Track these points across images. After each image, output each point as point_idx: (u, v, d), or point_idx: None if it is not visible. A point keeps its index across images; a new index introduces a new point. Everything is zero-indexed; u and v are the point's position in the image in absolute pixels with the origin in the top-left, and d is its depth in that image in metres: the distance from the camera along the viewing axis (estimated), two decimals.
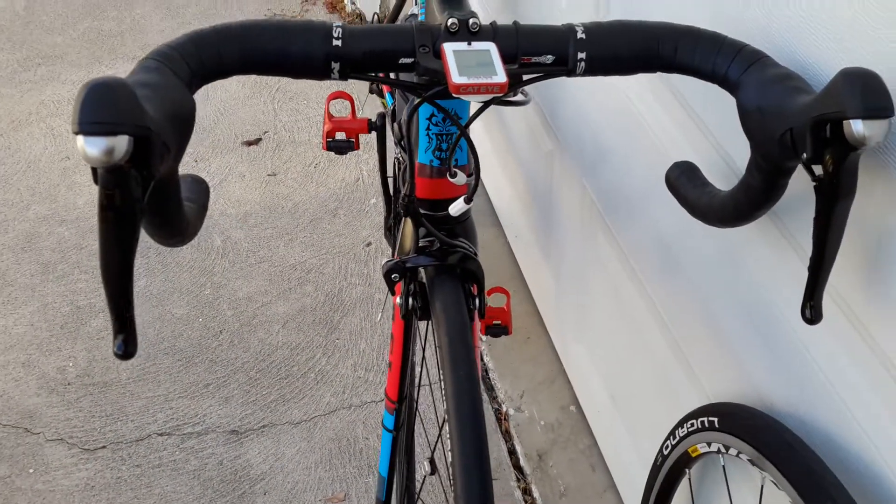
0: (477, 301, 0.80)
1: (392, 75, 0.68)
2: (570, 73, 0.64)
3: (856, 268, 0.63)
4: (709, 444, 0.84)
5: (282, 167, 2.14)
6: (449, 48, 0.59)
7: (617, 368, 1.25)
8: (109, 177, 0.45)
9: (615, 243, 1.13)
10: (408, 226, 0.83)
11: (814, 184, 0.54)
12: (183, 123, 0.52)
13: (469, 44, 0.60)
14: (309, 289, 1.80)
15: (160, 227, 0.55)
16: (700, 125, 0.83)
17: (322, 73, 0.62)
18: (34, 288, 1.80)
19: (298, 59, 0.60)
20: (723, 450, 0.81)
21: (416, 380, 1.01)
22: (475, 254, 0.81)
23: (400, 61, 0.61)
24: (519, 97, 0.73)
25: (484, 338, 1.70)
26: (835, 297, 0.66)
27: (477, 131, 1.97)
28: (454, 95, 0.57)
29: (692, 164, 0.74)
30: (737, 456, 0.77)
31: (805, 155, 0.54)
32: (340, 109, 2.18)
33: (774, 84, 0.58)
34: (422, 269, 0.81)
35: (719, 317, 0.87)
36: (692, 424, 0.87)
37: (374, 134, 1.37)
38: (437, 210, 0.80)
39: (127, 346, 0.52)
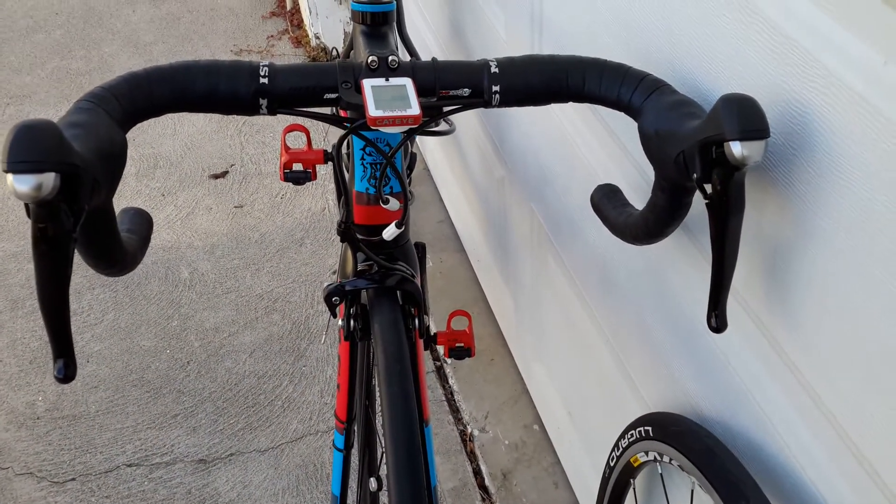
0: (417, 321, 0.83)
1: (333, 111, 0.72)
2: (487, 104, 0.68)
3: (758, 276, 0.67)
4: (646, 453, 0.87)
5: (248, 199, 2.17)
6: (368, 84, 0.64)
7: (572, 385, 1.29)
8: (40, 211, 0.49)
9: (562, 264, 1.18)
10: (347, 251, 0.87)
11: (706, 202, 0.59)
12: (114, 160, 0.56)
13: (387, 79, 0.65)
14: (276, 317, 1.83)
15: (97, 257, 0.59)
16: (623, 149, 0.87)
17: (251, 109, 0.66)
18: (3, 324, 1.82)
19: (227, 97, 0.65)
20: (658, 457, 0.84)
21: (376, 401, 1.04)
22: (412, 276, 0.85)
23: (325, 96, 0.66)
24: (443, 126, 0.77)
25: (448, 360, 1.73)
26: (743, 304, 0.70)
27: (437, 159, 2.01)
28: (372, 128, 0.61)
29: (614, 186, 0.79)
30: (670, 462, 0.81)
31: (695, 175, 0.58)
32: (297, 141, 2.23)
33: (671, 110, 0.62)
34: (363, 292, 0.85)
35: (651, 329, 0.91)
36: (631, 435, 0.91)
37: (330, 164, 1.42)
38: (376, 235, 0.84)
39: (67, 369, 0.55)
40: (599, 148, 0.94)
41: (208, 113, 0.66)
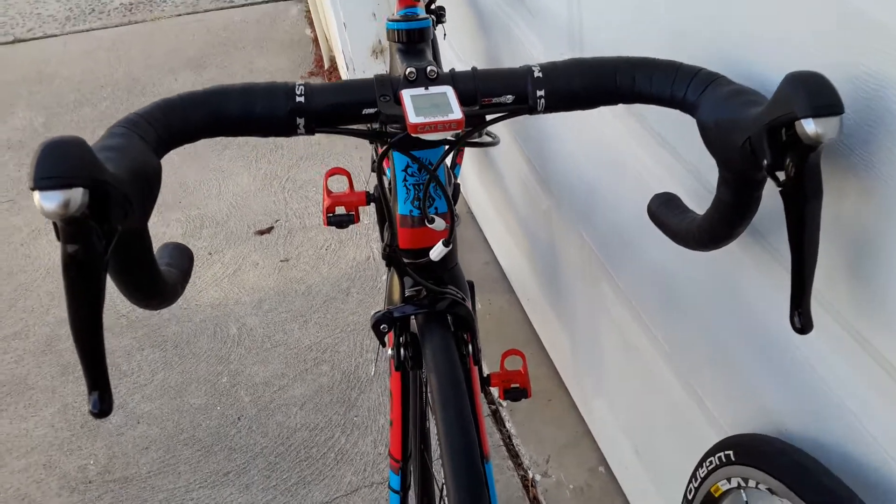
0: (470, 347, 0.79)
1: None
2: (532, 110, 0.65)
3: (841, 274, 0.62)
4: (729, 480, 0.81)
5: (294, 252, 2.17)
6: (407, 94, 0.61)
7: (637, 419, 1.22)
8: (69, 230, 0.46)
9: (617, 288, 1.12)
10: (394, 277, 0.83)
11: (780, 189, 0.54)
12: (146, 181, 0.54)
13: (426, 88, 0.62)
14: (325, 368, 1.79)
15: (133, 286, 0.56)
16: (675, 155, 0.83)
17: (288, 129, 0.63)
18: (54, 390, 1.81)
19: (264, 118, 0.62)
20: (742, 483, 0.77)
21: (431, 436, 0.99)
22: (463, 299, 0.81)
23: (363, 111, 0.63)
24: (486, 138, 0.74)
25: (504, 403, 1.67)
26: (826, 306, 0.64)
27: (477, 196, 1.98)
28: (413, 135, 0.58)
29: (671, 193, 0.75)
30: (756, 487, 0.74)
31: (766, 161, 0.54)
32: (340, 184, 2.23)
33: (730, 99, 0.58)
34: (412, 319, 0.81)
35: (723, 346, 0.85)
36: (710, 462, 0.84)
37: (373, 206, 1.40)
38: (422, 258, 0.80)
39: (102, 402, 0.52)
40: (649, 158, 0.89)
41: (245, 136, 0.64)
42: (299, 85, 0.63)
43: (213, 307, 2.03)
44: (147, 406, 1.74)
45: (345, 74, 2.69)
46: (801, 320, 0.58)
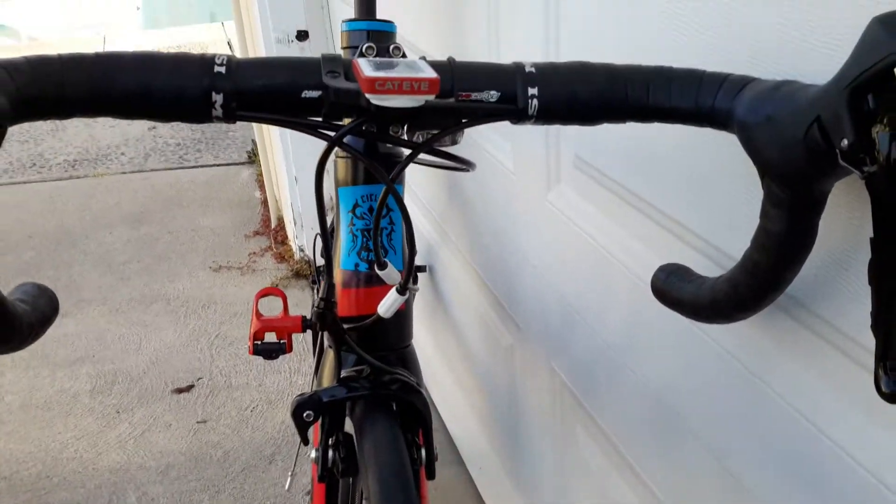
0: (423, 452, 0.58)
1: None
2: (521, 114, 0.50)
3: None
4: None
5: (214, 413, 1.91)
6: (363, 59, 0.45)
7: None
8: None
9: (597, 430, 0.92)
10: (328, 355, 0.64)
11: (864, 178, 0.39)
12: None
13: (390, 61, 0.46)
14: None
15: None
16: (678, 230, 0.68)
17: (200, 110, 0.47)
18: None
19: (169, 93, 0.46)
20: None
21: None
22: (419, 385, 0.61)
23: (304, 94, 0.47)
24: (462, 163, 0.58)
25: None
26: None
27: (425, 350, 1.79)
28: (368, 96, 0.42)
29: (678, 264, 0.59)
30: None
31: (846, 141, 0.39)
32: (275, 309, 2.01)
33: (777, 90, 0.45)
34: (348, 407, 0.60)
35: (747, 479, 0.65)
36: None
37: (309, 333, 1.20)
38: (368, 335, 0.61)
39: None
40: (645, 247, 0.74)
41: (140, 118, 0.47)
42: (220, 55, 0.47)
43: (112, 472, 1.73)
44: None
45: (291, 231, 2.56)
46: (891, 380, 0.41)
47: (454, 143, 0.61)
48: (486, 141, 1.11)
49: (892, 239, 0.39)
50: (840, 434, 0.54)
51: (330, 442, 0.61)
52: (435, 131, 0.50)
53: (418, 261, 1.61)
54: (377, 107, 0.45)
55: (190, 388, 2.01)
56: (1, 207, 3.09)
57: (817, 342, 0.54)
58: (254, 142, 3.25)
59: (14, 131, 4.02)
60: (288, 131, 1.74)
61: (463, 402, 1.58)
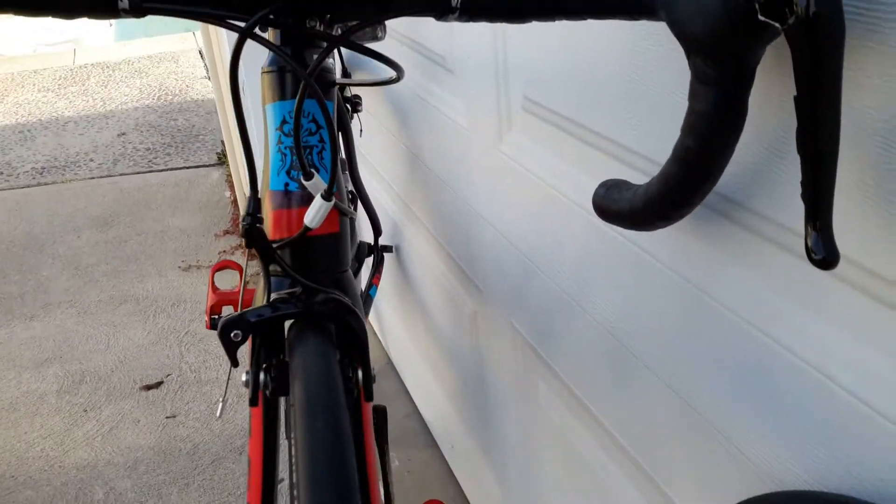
0: (360, 374, 0.56)
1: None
2: (445, 7, 0.48)
3: (869, 213, 0.43)
4: None
5: (183, 408, 1.87)
6: None
7: None
8: None
9: (556, 379, 0.91)
10: (260, 280, 0.62)
11: (785, 31, 0.37)
12: None
13: None
14: None
15: None
16: (627, 156, 0.66)
17: (105, 3, 0.45)
18: None
19: None
20: None
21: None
22: (354, 306, 0.59)
23: None
24: (388, 64, 0.56)
25: None
26: (855, 284, 0.45)
27: (397, 338, 1.76)
28: None
29: (618, 179, 0.57)
30: None
31: None
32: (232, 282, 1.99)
33: None
34: (281, 329, 0.58)
35: (699, 403, 0.63)
36: None
37: None
38: (302, 258, 0.59)
39: None
40: (594, 181, 0.73)
41: (46, 13, 0.45)
42: None
43: (78, 469, 1.69)
44: None
45: None
46: (822, 245, 0.39)
47: (375, 38, 0.59)
48: (440, 103, 1.10)
49: (816, 93, 0.38)
50: (785, 335, 0.52)
51: (261, 361, 0.59)
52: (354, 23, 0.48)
53: (384, 241, 1.59)
54: None
55: (159, 384, 1.98)
56: None
57: (757, 241, 0.53)
58: (223, 143, 3.22)
59: None
60: (254, 126, 1.72)
61: (433, 383, 1.56)
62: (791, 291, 0.51)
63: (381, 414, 0.95)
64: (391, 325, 1.84)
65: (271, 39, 0.58)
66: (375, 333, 2.04)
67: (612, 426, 0.80)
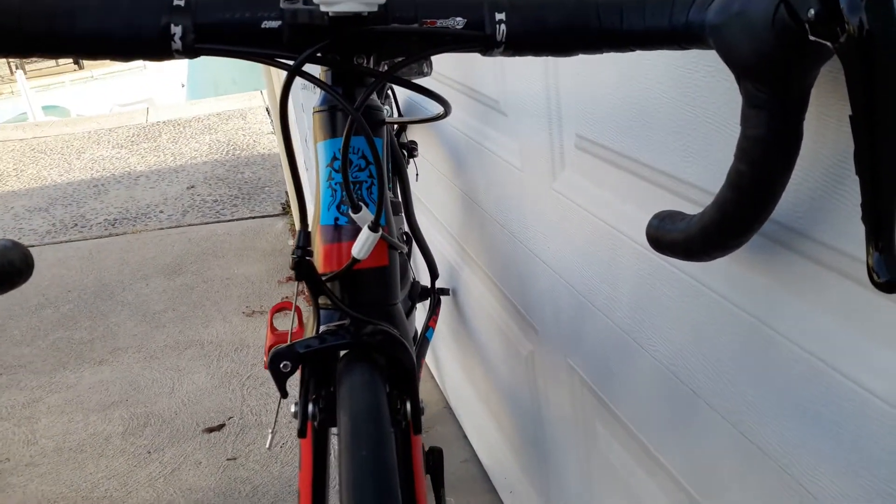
0: (409, 407, 0.56)
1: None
2: (490, 42, 0.49)
3: None
4: None
5: (244, 450, 1.89)
6: None
7: None
8: None
9: (616, 422, 0.89)
10: (311, 313, 0.62)
11: (836, 48, 0.37)
12: None
13: None
14: None
15: None
16: (679, 188, 0.66)
17: (159, 47, 0.47)
18: None
19: (128, 28, 0.46)
20: None
21: None
22: (403, 338, 0.59)
23: (263, 24, 0.47)
24: (435, 99, 0.57)
25: None
26: None
27: (455, 383, 1.75)
28: (316, 1, 0.42)
29: (671, 210, 0.57)
30: None
31: (812, 11, 0.37)
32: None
33: None
34: (332, 361, 0.58)
35: (764, 441, 0.61)
36: None
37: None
38: (351, 291, 0.60)
39: None
40: (648, 214, 0.72)
41: (101, 57, 0.48)
42: None
43: None
44: None
45: None
46: (885, 265, 0.38)
47: (422, 74, 0.61)
48: (494, 145, 1.11)
49: (872, 112, 0.37)
50: (853, 368, 0.50)
51: (310, 393, 0.59)
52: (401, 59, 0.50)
53: (441, 284, 1.59)
54: (336, 28, 0.45)
55: (221, 427, 2.00)
56: (42, 265, 3.17)
57: (819, 270, 0.52)
58: (287, 193, 3.30)
59: (57, 195, 4.16)
60: (304, 165, 1.76)
61: (491, 426, 1.54)
62: (855, 321, 0.50)
63: (437, 455, 0.94)
64: (449, 368, 1.84)
65: (322, 79, 0.60)
66: (433, 377, 2.03)
67: (675, 468, 0.78)
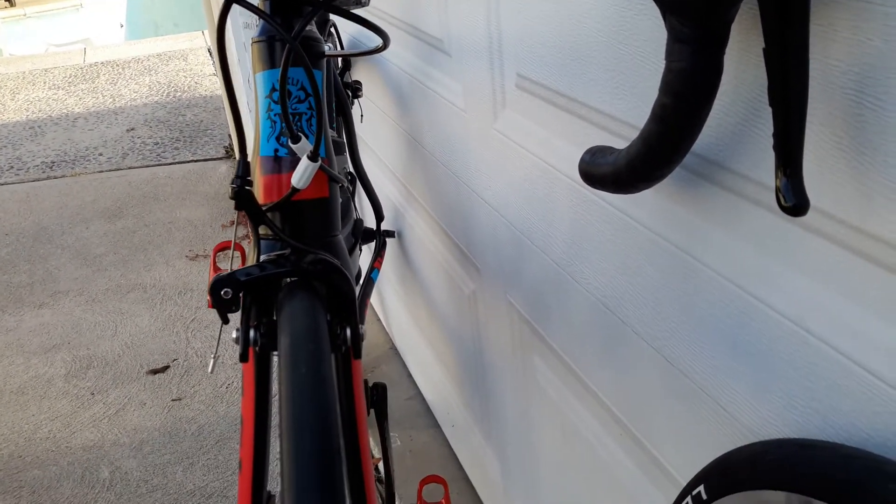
0: (349, 332, 0.58)
1: None
2: None
3: (834, 164, 0.45)
4: None
5: (189, 391, 1.90)
6: None
7: None
8: None
9: (552, 355, 0.93)
10: (251, 245, 0.64)
11: None
12: None
13: None
14: None
15: None
16: (613, 126, 0.68)
17: None
18: None
19: None
20: None
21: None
22: (343, 266, 0.61)
23: None
24: (373, 30, 0.58)
25: None
26: (825, 232, 0.47)
27: (400, 322, 1.79)
28: None
29: (602, 145, 0.59)
30: None
31: None
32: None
33: None
34: (274, 289, 0.60)
35: (686, 364, 0.65)
36: None
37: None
38: (291, 221, 0.61)
39: None
40: (582, 150, 0.75)
41: None
42: None
43: (85, 449, 1.72)
44: None
45: None
46: (792, 193, 0.41)
47: (360, 4, 0.61)
48: (439, 86, 1.12)
49: (783, 45, 0.40)
50: (764, 290, 0.54)
51: (252, 323, 0.60)
52: None
53: (387, 226, 1.61)
54: None
55: (165, 368, 2.01)
56: None
57: (737, 201, 0.55)
58: (230, 136, 3.25)
59: None
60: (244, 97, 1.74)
61: (435, 365, 1.58)
62: (768, 247, 0.53)
63: (381, 391, 0.97)
64: (394, 310, 1.87)
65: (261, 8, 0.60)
66: (379, 319, 2.06)
67: (606, 396, 0.82)
